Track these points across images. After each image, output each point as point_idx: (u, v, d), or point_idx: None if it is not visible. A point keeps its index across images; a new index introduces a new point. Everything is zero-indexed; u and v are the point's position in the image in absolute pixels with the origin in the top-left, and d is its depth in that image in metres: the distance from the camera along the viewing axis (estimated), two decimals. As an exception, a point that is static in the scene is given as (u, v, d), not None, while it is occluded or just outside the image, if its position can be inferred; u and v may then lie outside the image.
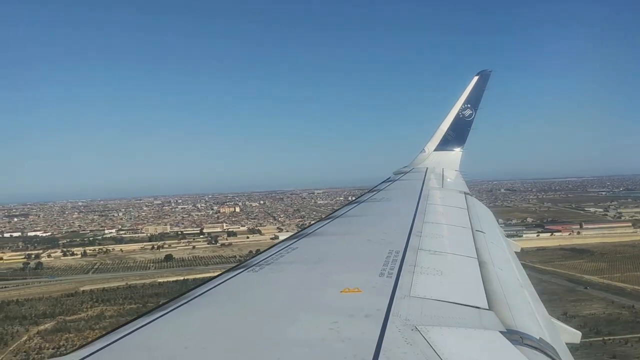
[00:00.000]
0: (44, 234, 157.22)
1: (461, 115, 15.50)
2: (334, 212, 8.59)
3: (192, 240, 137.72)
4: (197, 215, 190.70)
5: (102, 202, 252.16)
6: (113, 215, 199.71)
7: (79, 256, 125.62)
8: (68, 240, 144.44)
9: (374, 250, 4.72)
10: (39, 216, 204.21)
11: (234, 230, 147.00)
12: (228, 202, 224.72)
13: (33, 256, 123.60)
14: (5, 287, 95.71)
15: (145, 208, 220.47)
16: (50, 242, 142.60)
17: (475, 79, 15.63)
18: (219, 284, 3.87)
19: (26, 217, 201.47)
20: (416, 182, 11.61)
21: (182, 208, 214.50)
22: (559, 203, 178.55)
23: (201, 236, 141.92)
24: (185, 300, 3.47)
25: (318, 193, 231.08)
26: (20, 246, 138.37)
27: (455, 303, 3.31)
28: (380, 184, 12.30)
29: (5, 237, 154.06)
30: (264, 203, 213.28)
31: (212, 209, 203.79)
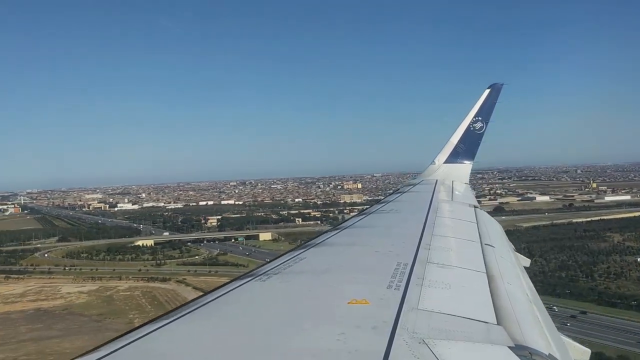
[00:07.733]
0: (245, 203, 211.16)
1: (472, 128, 15.43)
2: (342, 222, 8.56)
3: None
4: (325, 190, 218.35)
5: (168, 185, 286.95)
6: (232, 192, 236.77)
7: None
8: (299, 204, 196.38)
9: (382, 262, 4.69)
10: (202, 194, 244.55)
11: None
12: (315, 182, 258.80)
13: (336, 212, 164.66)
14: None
15: (241, 187, 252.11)
16: (278, 207, 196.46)
17: (487, 92, 15.58)
18: (225, 293, 3.86)
19: (128, 195, 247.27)
20: (425, 194, 11.59)
21: (282, 187, 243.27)
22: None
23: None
24: (191, 309, 3.48)
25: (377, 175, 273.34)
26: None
27: (464, 317, 3.28)
28: (389, 195, 12.28)
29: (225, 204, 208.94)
30: (357, 182, 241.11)
31: (326, 186, 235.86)
